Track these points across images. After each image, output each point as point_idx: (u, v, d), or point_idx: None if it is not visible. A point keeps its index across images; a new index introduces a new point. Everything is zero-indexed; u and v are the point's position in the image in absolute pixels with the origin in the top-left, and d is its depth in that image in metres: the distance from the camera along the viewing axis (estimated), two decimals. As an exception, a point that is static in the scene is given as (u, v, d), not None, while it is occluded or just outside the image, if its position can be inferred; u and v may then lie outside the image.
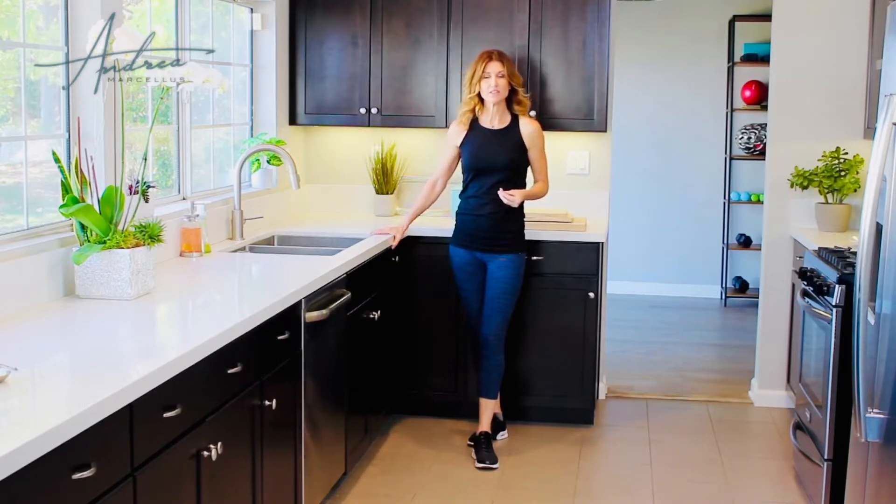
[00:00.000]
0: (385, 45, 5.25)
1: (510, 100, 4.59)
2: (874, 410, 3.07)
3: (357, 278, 4.15)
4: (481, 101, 4.57)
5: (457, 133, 4.64)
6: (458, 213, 4.69)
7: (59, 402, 2.21)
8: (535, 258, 4.83)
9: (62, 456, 1.98)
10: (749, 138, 8.07)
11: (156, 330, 3.09)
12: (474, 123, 4.61)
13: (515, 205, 4.51)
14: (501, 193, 4.48)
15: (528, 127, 4.58)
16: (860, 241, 3.08)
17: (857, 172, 5.14)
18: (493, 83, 4.49)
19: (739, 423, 5.24)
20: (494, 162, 4.53)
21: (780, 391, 5.45)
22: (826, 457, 3.87)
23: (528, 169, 4.65)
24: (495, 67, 4.50)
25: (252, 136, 5.12)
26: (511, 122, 4.59)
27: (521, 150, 4.57)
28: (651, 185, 8.45)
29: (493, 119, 4.59)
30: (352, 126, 5.45)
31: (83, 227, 3.16)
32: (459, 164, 4.69)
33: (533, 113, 4.84)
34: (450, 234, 4.79)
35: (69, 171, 3.18)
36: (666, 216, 8.49)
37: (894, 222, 2.97)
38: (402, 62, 5.25)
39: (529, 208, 4.73)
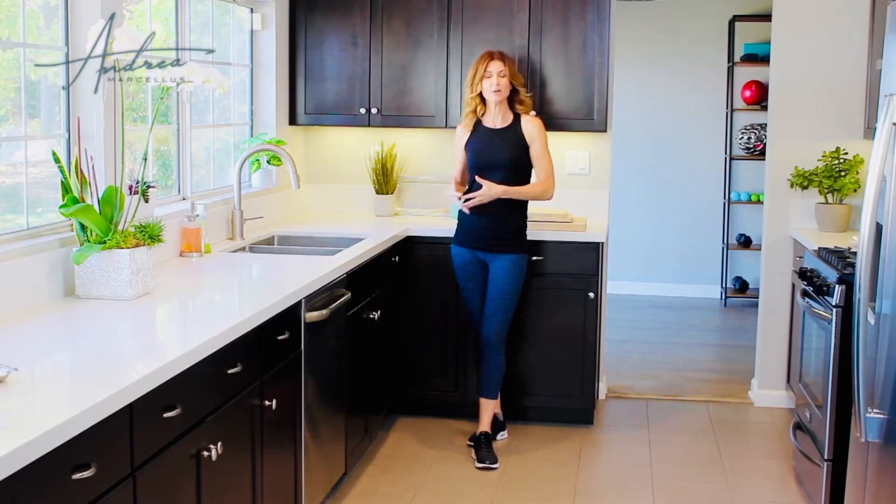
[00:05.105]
0: (385, 45, 5.25)
1: (512, 100, 4.60)
2: (874, 410, 3.07)
3: (357, 278, 4.15)
4: (483, 101, 4.58)
5: (462, 135, 4.65)
6: (460, 213, 4.69)
7: (59, 402, 2.21)
8: (535, 258, 4.83)
9: (62, 456, 1.98)
10: (749, 138, 8.07)
11: (156, 330, 3.08)
12: (478, 124, 4.63)
13: (485, 199, 4.48)
14: (478, 179, 4.49)
15: (528, 124, 4.59)
16: (860, 241, 3.08)
17: (857, 172, 5.14)
18: (494, 82, 4.50)
19: (739, 423, 5.24)
20: (496, 160, 4.54)
21: (780, 391, 5.45)
22: (826, 457, 3.87)
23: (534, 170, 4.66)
24: (497, 66, 4.51)
25: (252, 136, 5.12)
26: (513, 122, 4.59)
27: (523, 148, 4.57)
28: (651, 185, 8.46)
29: (496, 119, 4.59)
30: (352, 126, 5.45)
31: (83, 227, 3.16)
32: None
33: (532, 113, 4.83)
34: (449, 234, 4.79)
35: (69, 171, 3.18)
36: (666, 216, 8.49)
37: (894, 222, 2.97)
38: (402, 62, 5.25)
39: (530, 208, 4.72)
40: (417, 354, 5.06)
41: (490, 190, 4.48)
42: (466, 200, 4.51)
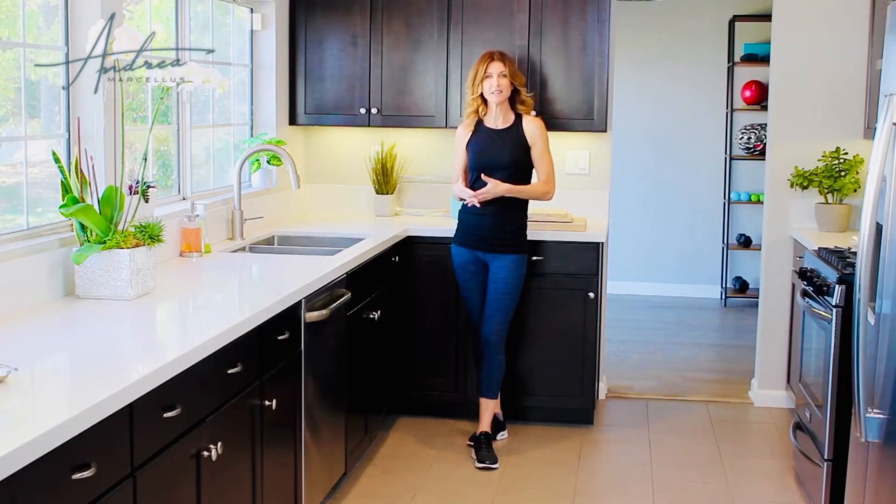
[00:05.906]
0: (385, 45, 5.25)
1: (513, 100, 4.60)
2: (874, 410, 3.07)
3: (357, 278, 4.15)
4: (484, 101, 4.59)
5: (463, 135, 4.65)
6: (460, 213, 4.70)
7: (59, 402, 2.21)
8: (535, 258, 4.83)
9: (62, 456, 1.98)
10: (749, 138, 8.07)
11: (156, 330, 3.08)
12: (479, 125, 4.63)
13: (490, 195, 4.49)
14: (484, 177, 4.48)
15: (530, 125, 4.59)
16: (860, 241, 3.08)
17: (857, 172, 5.14)
18: (495, 83, 4.50)
19: (739, 423, 5.24)
20: (497, 161, 4.54)
21: (780, 391, 5.45)
22: (826, 457, 3.87)
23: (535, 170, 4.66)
24: (497, 67, 4.51)
25: (252, 136, 5.12)
26: (514, 122, 4.60)
27: (524, 148, 4.57)
28: (651, 185, 8.46)
29: (497, 119, 4.59)
30: (352, 126, 5.45)
31: (83, 227, 3.16)
32: None
33: (533, 113, 4.83)
34: (449, 234, 4.79)
35: (69, 171, 3.18)
36: (666, 216, 8.49)
37: (894, 222, 2.97)
38: (402, 62, 5.25)
39: (530, 208, 4.73)
40: (417, 354, 5.06)
41: (496, 187, 4.48)
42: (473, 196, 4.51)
